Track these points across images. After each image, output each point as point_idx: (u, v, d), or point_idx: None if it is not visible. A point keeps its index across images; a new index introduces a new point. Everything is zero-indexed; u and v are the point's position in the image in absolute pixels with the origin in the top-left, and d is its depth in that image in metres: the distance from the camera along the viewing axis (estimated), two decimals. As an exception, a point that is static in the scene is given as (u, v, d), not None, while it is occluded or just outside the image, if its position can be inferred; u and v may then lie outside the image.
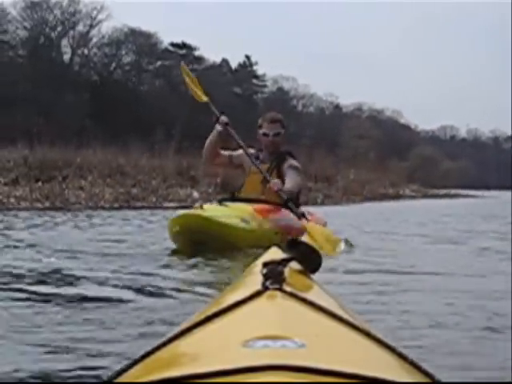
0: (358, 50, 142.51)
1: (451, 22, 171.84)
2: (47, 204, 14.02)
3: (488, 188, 61.96)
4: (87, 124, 41.01)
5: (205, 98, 7.30)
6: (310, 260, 1.56)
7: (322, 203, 21.96)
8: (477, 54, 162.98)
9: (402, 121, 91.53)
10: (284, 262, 1.35)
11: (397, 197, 31.68)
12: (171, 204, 16.40)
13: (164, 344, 1.09)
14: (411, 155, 71.21)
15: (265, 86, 73.70)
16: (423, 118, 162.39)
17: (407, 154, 70.52)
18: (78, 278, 4.52)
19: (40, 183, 16.14)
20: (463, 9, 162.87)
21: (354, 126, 71.09)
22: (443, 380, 1.09)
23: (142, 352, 1.08)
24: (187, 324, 1.17)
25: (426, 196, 36.11)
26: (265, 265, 1.29)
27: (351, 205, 22.43)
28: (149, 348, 1.09)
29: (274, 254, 1.62)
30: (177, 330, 1.15)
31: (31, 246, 6.45)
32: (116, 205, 14.91)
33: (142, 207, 12.43)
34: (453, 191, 43.85)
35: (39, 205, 13.84)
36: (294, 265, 1.52)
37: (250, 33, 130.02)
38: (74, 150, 20.35)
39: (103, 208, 14.19)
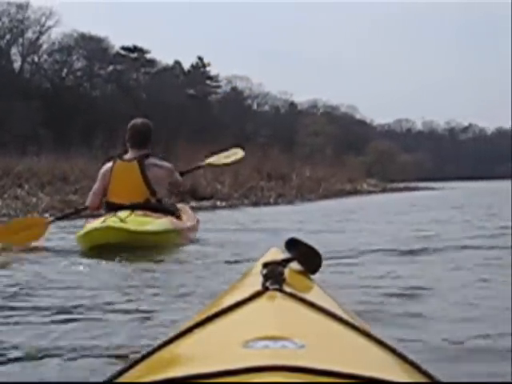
0: (309, 48, 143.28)
1: (404, 18, 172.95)
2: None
3: (446, 179, 62.20)
4: (40, 132, 40.35)
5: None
6: (310, 261, 1.57)
7: (276, 203, 21.36)
8: (431, 45, 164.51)
9: (358, 116, 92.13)
10: (284, 263, 1.38)
11: (355, 192, 31.42)
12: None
13: (164, 344, 1.10)
14: (368, 150, 71.67)
15: (219, 86, 73.70)
16: (378, 112, 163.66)
17: (364, 149, 70.93)
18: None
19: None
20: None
21: (310, 123, 71.29)
22: (443, 380, 1.09)
23: (142, 352, 1.08)
24: (187, 324, 1.18)
25: (384, 190, 35.93)
26: (265, 265, 1.31)
27: (306, 203, 21.52)
28: (149, 348, 1.09)
29: (274, 254, 1.66)
30: (177, 330, 1.15)
31: None
32: (47, 214, 13.82)
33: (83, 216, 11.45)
34: (412, 184, 43.97)
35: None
36: (294, 265, 1.54)
37: (202, 34, 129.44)
38: (17, 158, 19.66)
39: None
